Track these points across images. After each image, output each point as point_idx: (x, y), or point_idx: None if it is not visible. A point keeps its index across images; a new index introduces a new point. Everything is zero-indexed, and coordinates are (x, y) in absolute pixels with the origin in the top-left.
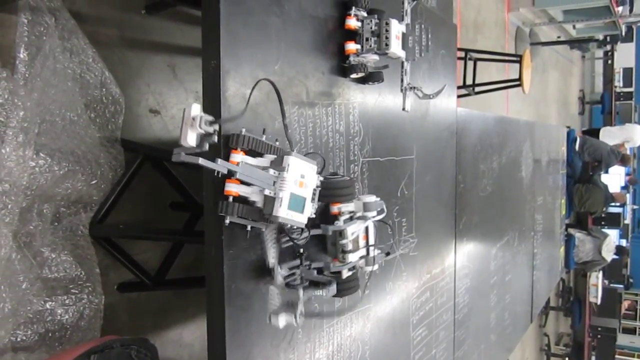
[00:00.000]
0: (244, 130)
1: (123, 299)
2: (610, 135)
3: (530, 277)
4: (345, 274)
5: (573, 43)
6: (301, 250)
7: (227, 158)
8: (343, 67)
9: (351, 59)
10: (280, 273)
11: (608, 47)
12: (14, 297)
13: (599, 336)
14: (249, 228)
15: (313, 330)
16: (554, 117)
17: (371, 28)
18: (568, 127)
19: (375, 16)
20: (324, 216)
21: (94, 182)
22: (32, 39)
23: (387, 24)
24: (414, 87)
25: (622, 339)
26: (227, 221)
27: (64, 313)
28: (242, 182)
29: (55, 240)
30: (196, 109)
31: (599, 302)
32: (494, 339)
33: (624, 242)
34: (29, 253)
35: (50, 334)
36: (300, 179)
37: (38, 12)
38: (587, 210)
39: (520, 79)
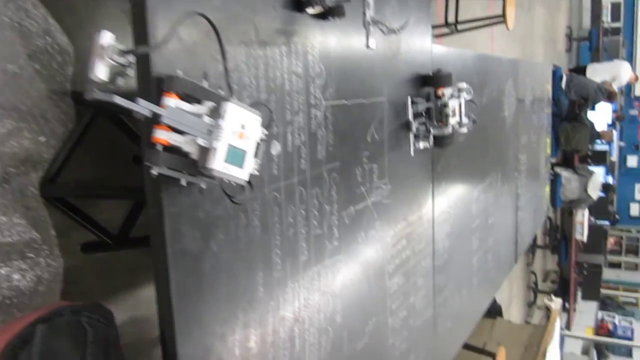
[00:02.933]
0: (180, 72)
1: (89, 260)
2: (597, 73)
3: (514, 219)
4: (448, 131)
5: None
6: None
7: (158, 103)
8: (298, 1)
9: None
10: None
11: None
12: None
13: (585, 272)
14: (183, 182)
15: (276, 287)
16: (541, 55)
17: None
18: (554, 65)
19: None
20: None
21: (42, 139)
22: None
23: None
24: (378, 22)
25: (608, 274)
26: (155, 172)
27: (20, 278)
28: (175, 130)
29: (4, 203)
30: (106, 37)
31: (585, 239)
32: (476, 282)
33: (610, 179)
34: None
35: (7, 301)
36: (241, 129)
37: None
38: (574, 149)
39: (504, 14)
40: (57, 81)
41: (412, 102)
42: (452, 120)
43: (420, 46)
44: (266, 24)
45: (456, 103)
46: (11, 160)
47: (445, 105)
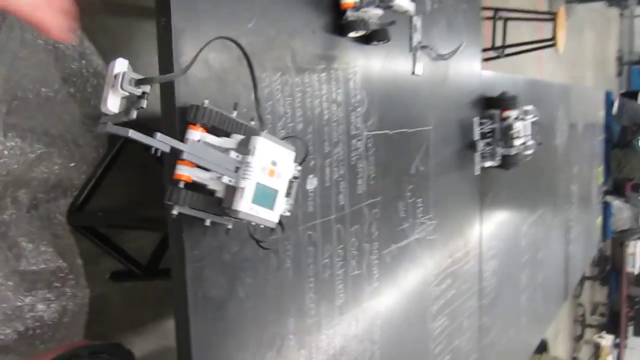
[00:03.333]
0: (206, 101)
1: (117, 289)
2: None
3: (565, 252)
4: (513, 152)
5: (611, 0)
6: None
7: (182, 135)
8: (340, 25)
9: (349, 14)
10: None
11: None
12: None
13: (636, 306)
14: (207, 223)
15: (309, 335)
16: (590, 79)
17: None
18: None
19: None
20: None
21: (72, 164)
22: None
23: None
24: (426, 46)
25: None
26: (175, 212)
27: (45, 309)
28: (199, 166)
29: (32, 230)
30: (121, 65)
31: (636, 271)
32: (525, 321)
33: None
34: (4, 244)
35: (30, 332)
36: (271, 166)
37: None
38: (625, 176)
39: (554, 37)
40: (90, 105)
41: (480, 123)
42: (517, 142)
43: (469, 71)
44: (304, 49)
45: (521, 125)
46: (40, 186)
47: (510, 127)
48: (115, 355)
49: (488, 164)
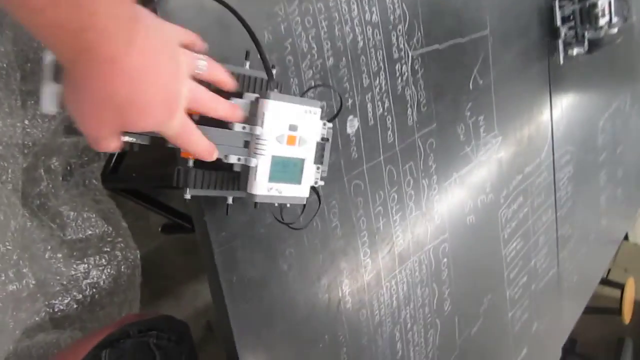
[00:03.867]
0: (203, 48)
1: (172, 240)
2: None
3: None
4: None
5: None
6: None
7: None
8: None
9: None
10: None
11: None
12: (40, 269)
13: None
14: (229, 201)
15: (366, 292)
16: None
17: None
18: None
19: None
20: None
21: None
22: None
23: None
24: None
25: None
26: (188, 195)
27: (99, 274)
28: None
29: (71, 198)
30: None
31: None
32: (605, 223)
33: None
34: (46, 217)
35: (89, 299)
36: (290, 132)
37: None
38: None
39: None
40: None
41: (560, 6)
42: (602, 21)
43: None
44: None
45: (605, 1)
46: (71, 151)
47: (594, 6)
48: (167, 330)
49: (576, 50)
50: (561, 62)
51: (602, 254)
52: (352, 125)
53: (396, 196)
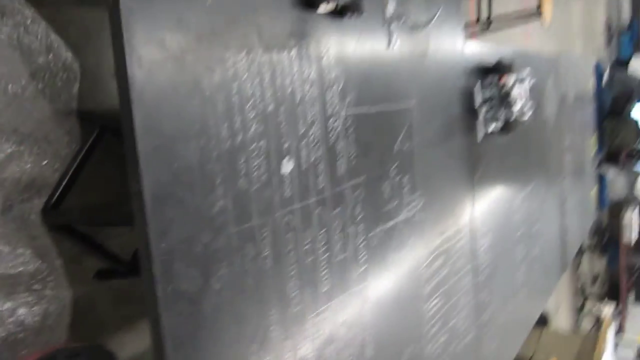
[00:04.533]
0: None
1: (104, 287)
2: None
3: (561, 224)
4: (513, 116)
5: None
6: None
7: None
8: None
9: None
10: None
11: None
12: None
13: (636, 274)
14: None
15: (293, 324)
16: (580, 50)
17: None
18: (596, 61)
19: None
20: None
21: (45, 162)
22: None
23: None
24: (400, 16)
25: None
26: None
27: (26, 312)
28: None
29: (7, 233)
30: None
31: (633, 240)
32: (523, 295)
33: None
34: None
35: (12, 337)
36: None
37: None
38: (619, 145)
39: (540, 9)
40: (61, 100)
41: (481, 89)
42: (516, 107)
43: (452, 44)
44: (272, 26)
45: (519, 90)
46: (13, 186)
47: (508, 93)
48: (94, 357)
49: (491, 128)
50: (479, 139)
51: (520, 325)
52: (287, 166)
53: (324, 237)
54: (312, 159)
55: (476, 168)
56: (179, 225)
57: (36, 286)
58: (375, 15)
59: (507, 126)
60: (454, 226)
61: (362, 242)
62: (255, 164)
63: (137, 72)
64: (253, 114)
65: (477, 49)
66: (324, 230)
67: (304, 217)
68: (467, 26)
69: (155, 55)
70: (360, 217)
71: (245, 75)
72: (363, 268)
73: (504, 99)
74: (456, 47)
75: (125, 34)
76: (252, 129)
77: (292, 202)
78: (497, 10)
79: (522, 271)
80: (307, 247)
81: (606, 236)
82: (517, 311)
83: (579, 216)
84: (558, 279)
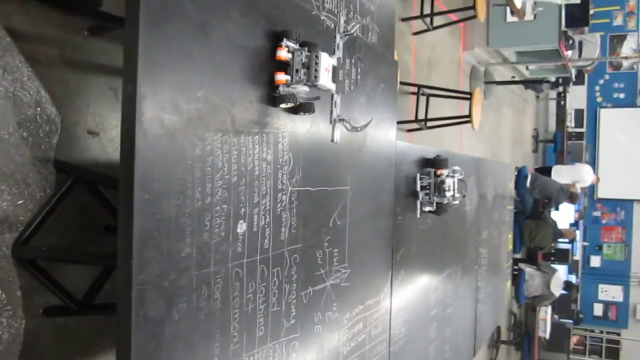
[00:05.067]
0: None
1: (49, 324)
2: (561, 174)
3: (474, 310)
4: (445, 201)
5: (527, 83)
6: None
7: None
8: (273, 97)
9: (281, 89)
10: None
11: (561, 89)
12: None
13: None
14: None
15: (231, 359)
16: (508, 154)
17: (301, 60)
18: (517, 167)
19: (306, 49)
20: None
21: (20, 202)
22: None
23: (317, 56)
24: (343, 120)
25: None
26: None
27: None
28: None
29: None
30: None
31: (547, 336)
32: None
33: (573, 278)
34: None
35: None
36: None
37: None
38: (537, 246)
39: (470, 115)
40: (42, 149)
41: (420, 178)
42: (448, 194)
43: (385, 141)
44: (242, 115)
45: (451, 181)
46: None
47: (443, 182)
48: None
49: (427, 209)
50: (418, 215)
51: None
52: (242, 227)
53: (264, 290)
54: (262, 223)
55: (398, 248)
56: (154, 263)
57: None
58: (323, 115)
59: (440, 208)
60: (375, 297)
61: (294, 299)
62: (218, 222)
63: (141, 142)
64: (220, 183)
65: (406, 147)
66: (264, 284)
67: (250, 270)
68: (405, 123)
69: (156, 131)
70: (294, 277)
71: (219, 152)
72: (293, 321)
73: (438, 187)
74: (389, 143)
75: (137, 112)
76: (218, 195)
77: (242, 257)
78: (434, 111)
79: (434, 348)
80: (249, 296)
81: (522, 331)
82: None
83: (492, 305)
84: None
